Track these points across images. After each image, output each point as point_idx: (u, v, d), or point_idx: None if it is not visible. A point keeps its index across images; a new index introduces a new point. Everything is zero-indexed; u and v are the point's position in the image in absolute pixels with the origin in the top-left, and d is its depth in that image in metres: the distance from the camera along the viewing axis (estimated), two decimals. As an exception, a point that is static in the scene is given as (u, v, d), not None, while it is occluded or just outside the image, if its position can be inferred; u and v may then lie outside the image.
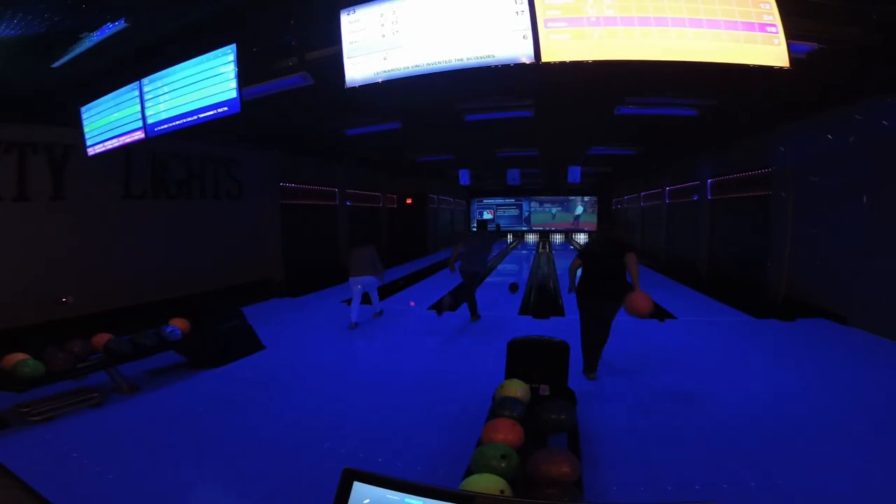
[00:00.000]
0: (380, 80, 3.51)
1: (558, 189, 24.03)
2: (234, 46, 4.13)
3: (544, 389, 3.00)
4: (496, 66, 3.22)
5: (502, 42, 3.11)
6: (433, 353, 5.36)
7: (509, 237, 25.64)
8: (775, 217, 8.12)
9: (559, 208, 25.98)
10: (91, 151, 5.70)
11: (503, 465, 2.03)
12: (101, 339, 4.19)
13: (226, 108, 4.27)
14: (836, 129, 6.70)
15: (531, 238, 25.48)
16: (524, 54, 3.07)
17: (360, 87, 3.64)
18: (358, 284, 6.64)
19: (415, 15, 3.32)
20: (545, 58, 3.01)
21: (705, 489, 2.61)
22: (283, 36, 4.40)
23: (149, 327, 4.56)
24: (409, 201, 18.38)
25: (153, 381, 4.44)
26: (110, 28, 4.10)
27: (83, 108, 5.65)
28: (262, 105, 4.71)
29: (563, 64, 3.07)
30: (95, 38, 4.26)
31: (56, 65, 4.72)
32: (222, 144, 8.94)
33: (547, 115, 7.41)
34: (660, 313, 7.11)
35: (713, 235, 11.11)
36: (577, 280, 4.41)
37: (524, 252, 19.24)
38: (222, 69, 4.22)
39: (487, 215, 26.48)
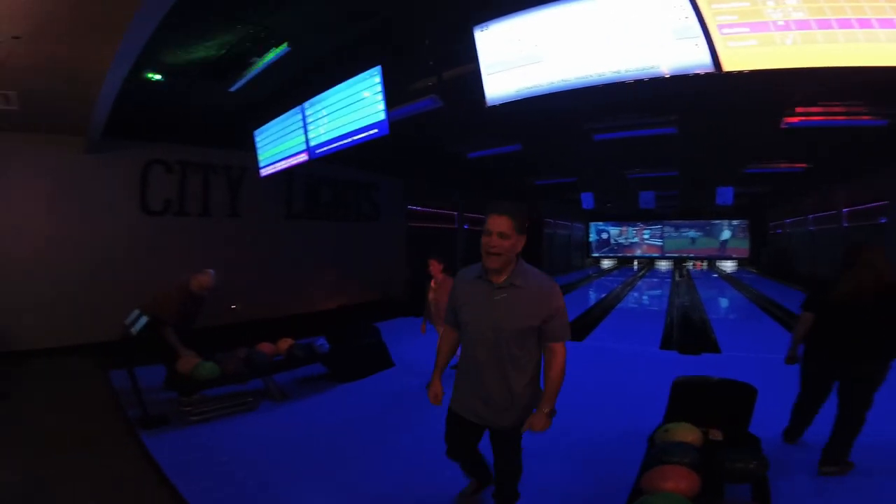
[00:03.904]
0: (520, 98, 3.36)
1: (698, 212, 21.58)
2: (379, 68, 4.19)
3: (715, 435, 2.56)
4: (643, 80, 2.94)
5: (668, 52, 2.82)
6: (567, 385, 4.93)
7: (635, 264, 23.65)
8: None
9: (700, 233, 23.16)
10: (263, 172, 6.18)
11: (678, 518, 1.72)
12: (265, 346, 4.40)
13: (376, 130, 4.31)
14: None
15: (663, 265, 23.14)
16: (699, 64, 2.74)
17: (493, 106, 3.53)
18: None
19: (555, 27, 3.14)
20: (727, 67, 2.67)
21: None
22: (418, 57, 4.34)
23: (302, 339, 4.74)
24: (523, 225, 17.93)
25: (300, 390, 4.57)
26: (275, 53, 4.42)
27: (256, 132, 6.07)
28: (394, 128, 4.62)
29: (740, 73, 2.70)
30: (264, 63, 4.62)
31: (232, 89, 5.18)
32: (355, 168, 9.61)
33: (695, 132, 6.69)
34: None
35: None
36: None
37: (655, 280, 17.52)
38: (370, 91, 4.29)
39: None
